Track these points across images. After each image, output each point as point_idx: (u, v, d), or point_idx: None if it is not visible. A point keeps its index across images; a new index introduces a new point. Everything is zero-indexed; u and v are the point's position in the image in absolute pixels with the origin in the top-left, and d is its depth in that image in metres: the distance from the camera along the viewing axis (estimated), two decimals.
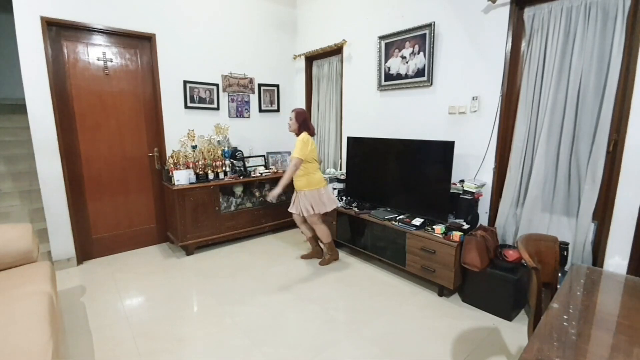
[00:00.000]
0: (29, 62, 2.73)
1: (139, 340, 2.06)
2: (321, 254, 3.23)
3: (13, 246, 2.07)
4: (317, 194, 2.90)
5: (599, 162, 2.08)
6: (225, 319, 2.29)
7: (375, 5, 3.33)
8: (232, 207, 3.65)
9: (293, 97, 4.53)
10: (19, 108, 3.23)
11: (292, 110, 2.94)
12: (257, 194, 3.84)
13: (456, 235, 2.41)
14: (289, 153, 4.20)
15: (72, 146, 3.05)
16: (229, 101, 3.93)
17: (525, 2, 2.34)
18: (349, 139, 3.44)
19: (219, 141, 3.67)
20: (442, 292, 2.57)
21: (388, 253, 2.88)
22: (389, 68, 3.24)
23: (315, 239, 3.22)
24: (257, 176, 3.73)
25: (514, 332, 2.14)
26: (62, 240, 3.03)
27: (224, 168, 3.55)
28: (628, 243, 2.03)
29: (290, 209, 3.06)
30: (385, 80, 3.30)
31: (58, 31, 2.88)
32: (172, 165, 3.29)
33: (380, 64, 3.30)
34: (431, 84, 2.91)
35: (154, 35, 3.31)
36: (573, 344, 1.05)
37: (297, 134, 2.91)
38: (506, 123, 2.53)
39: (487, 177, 2.65)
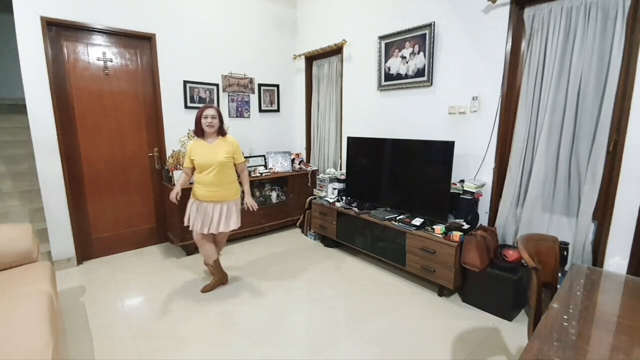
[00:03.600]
0: (29, 62, 2.73)
1: (139, 340, 2.06)
2: (227, 278, 2.78)
3: (13, 246, 2.07)
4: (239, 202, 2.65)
5: (599, 162, 2.08)
6: (225, 319, 2.29)
7: (375, 5, 3.33)
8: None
9: (293, 97, 4.53)
10: (19, 108, 3.23)
11: (211, 107, 2.47)
12: (257, 194, 3.83)
13: (456, 235, 2.41)
14: (289, 153, 4.20)
15: (72, 146, 3.05)
16: (229, 101, 3.93)
17: (525, 2, 2.34)
18: (349, 139, 3.44)
19: None
20: (442, 292, 2.57)
21: (388, 253, 2.88)
22: (389, 68, 3.24)
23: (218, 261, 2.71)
24: (257, 176, 3.73)
25: (514, 332, 2.14)
26: (62, 240, 3.03)
27: None
28: (628, 243, 2.03)
29: (215, 229, 2.49)
30: (385, 80, 3.30)
31: (58, 31, 2.88)
32: (172, 165, 3.30)
33: (380, 64, 3.30)
34: (431, 84, 2.91)
35: (154, 35, 3.31)
36: (573, 344, 1.05)
37: (217, 134, 2.51)
38: (506, 123, 2.53)
39: (487, 177, 2.65)
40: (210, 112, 2.44)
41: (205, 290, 2.64)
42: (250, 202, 2.60)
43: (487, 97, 2.58)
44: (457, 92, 2.76)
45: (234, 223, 2.57)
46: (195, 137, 2.54)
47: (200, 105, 3.67)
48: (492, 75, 2.53)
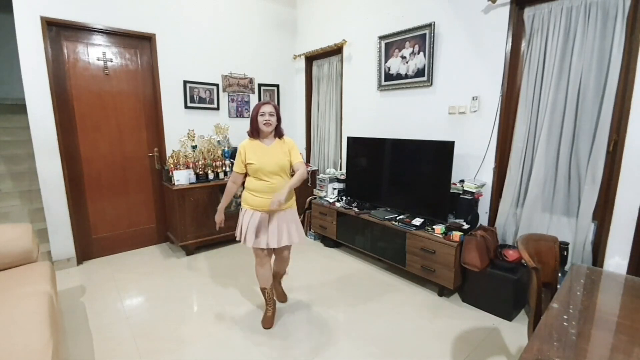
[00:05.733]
0: (29, 62, 2.72)
1: (139, 340, 2.06)
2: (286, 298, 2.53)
3: (13, 246, 2.07)
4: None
5: (599, 162, 2.08)
6: (225, 319, 2.29)
7: (375, 5, 3.33)
8: (232, 207, 3.64)
9: (293, 97, 4.53)
10: (19, 108, 3.23)
11: (269, 103, 2.13)
12: None
13: (456, 235, 2.41)
14: None
15: (72, 146, 3.05)
16: (229, 101, 3.93)
17: (525, 2, 2.34)
18: (349, 139, 3.44)
19: (219, 141, 3.67)
20: (442, 292, 2.57)
21: (388, 253, 2.88)
22: (389, 68, 3.24)
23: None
24: None
25: (514, 332, 2.14)
26: (62, 240, 3.03)
27: (224, 168, 3.55)
28: (628, 243, 2.03)
29: (276, 242, 2.11)
30: (385, 80, 3.30)
31: (58, 31, 2.88)
32: (172, 165, 3.29)
33: (380, 64, 3.30)
34: (431, 84, 2.91)
35: (154, 35, 3.31)
36: (573, 344, 1.05)
37: (275, 135, 2.18)
38: (506, 123, 2.53)
39: (487, 177, 2.65)
40: (267, 108, 2.10)
41: (268, 325, 2.20)
42: (278, 198, 1.96)
43: (487, 97, 2.58)
44: (457, 92, 2.76)
45: (296, 234, 2.18)
46: (249, 138, 2.18)
47: (200, 105, 3.69)
48: (492, 75, 2.53)
